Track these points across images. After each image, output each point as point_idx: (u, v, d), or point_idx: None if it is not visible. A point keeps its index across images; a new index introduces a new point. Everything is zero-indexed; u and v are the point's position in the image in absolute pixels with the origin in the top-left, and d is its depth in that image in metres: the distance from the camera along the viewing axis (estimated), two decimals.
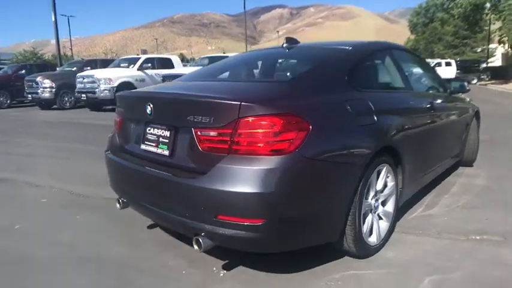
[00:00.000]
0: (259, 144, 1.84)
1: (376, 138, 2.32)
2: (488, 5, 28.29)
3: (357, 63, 2.59)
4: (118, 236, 2.92)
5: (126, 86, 12.65)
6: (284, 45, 3.07)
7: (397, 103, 2.81)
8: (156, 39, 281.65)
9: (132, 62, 13.94)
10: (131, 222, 3.05)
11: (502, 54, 41.71)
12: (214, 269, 2.32)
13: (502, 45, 29.40)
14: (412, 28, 62.58)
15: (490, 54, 41.18)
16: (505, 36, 26.80)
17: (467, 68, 33.79)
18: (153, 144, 2.31)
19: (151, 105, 2.22)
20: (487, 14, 30.56)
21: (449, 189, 3.90)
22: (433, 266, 2.35)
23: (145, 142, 2.36)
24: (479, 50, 45.83)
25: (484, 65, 37.24)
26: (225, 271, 2.29)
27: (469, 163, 4.64)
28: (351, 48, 2.76)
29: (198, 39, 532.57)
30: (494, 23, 29.17)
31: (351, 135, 2.17)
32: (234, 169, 1.85)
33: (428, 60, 25.98)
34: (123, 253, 2.60)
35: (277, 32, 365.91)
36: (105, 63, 15.82)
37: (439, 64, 31.19)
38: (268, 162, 1.82)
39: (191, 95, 2.23)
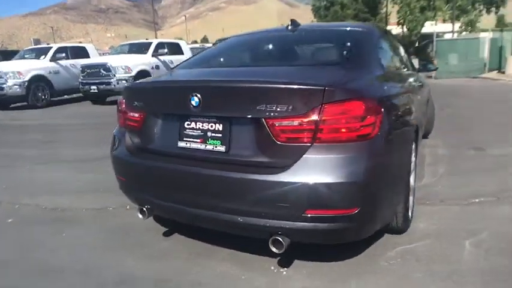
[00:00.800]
0: (345, 131, 1.75)
1: (411, 115, 2.41)
2: None
3: (380, 45, 2.63)
4: (132, 250, 2.49)
5: (38, 79, 11.25)
6: (289, 27, 2.97)
7: (406, 82, 2.93)
8: (52, 27, 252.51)
9: (41, 52, 12.32)
10: (138, 232, 2.72)
11: (396, 34, 46.16)
12: (273, 267, 2.19)
13: (400, 26, 32.53)
14: (315, 11, 65.76)
15: None
16: (402, 19, 29.83)
17: None
18: (198, 141, 2.07)
19: (199, 96, 1.96)
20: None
21: (424, 160, 4.24)
22: (463, 230, 2.54)
23: (185, 139, 2.10)
24: None
25: None
26: (285, 268, 2.18)
27: (426, 135, 5.10)
28: (365, 30, 2.84)
29: (96, 27, 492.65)
30: (393, 6, 32.15)
31: (402, 114, 2.23)
32: (323, 159, 1.74)
33: None
34: (155, 268, 2.26)
35: (185, 16, 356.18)
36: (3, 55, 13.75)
37: None
38: (357, 149, 1.76)
39: (264, 81, 1.97)
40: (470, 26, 29.21)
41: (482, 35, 19.02)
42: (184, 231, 2.62)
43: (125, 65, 10.81)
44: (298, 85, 1.82)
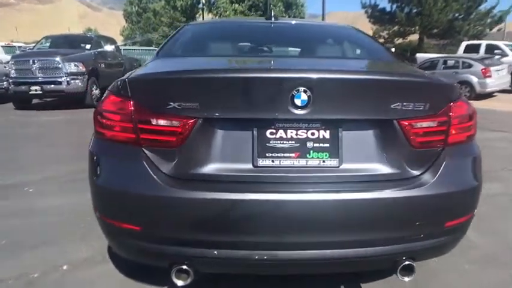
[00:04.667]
0: (462, 132, 1.57)
1: None
2: (203, 1, 32.29)
3: None
4: None
5: None
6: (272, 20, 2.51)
7: None
8: None
9: None
10: None
11: None
12: None
13: None
14: (127, 17, 63.18)
15: None
16: None
17: None
18: (292, 155, 1.39)
19: (309, 91, 1.33)
20: (202, 9, 34.77)
21: None
22: None
23: (268, 154, 1.38)
24: None
25: None
26: None
27: None
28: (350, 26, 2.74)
29: None
30: (214, 16, 33.62)
31: None
32: (456, 164, 1.53)
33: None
34: None
35: None
36: None
37: None
38: (472, 150, 1.62)
39: (402, 75, 1.60)
40: None
41: None
42: None
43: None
44: (434, 81, 1.56)
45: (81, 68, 8.38)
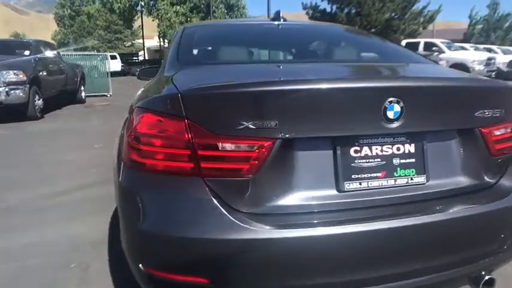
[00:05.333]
0: None
1: None
2: (142, 3, 31.12)
3: None
4: None
5: None
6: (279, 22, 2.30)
7: None
8: None
9: None
10: None
11: (147, 48, 46.96)
12: None
13: (161, 39, 33.19)
14: (59, 20, 59.25)
15: (141, 49, 45.52)
16: (163, 32, 30.59)
17: (128, 61, 36.15)
18: (379, 175, 1.20)
19: (402, 103, 1.16)
20: (141, 12, 33.53)
21: None
22: None
23: (354, 176, 1.19)
24: (128, 44, 49.63)
25: (142, 58, 41.06)
26: None
27: None
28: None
29: None
30: (153, 20, 32.43)
31: None
32: None
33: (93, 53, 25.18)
34: None
35: None
36: None
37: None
38: None
39: (481, 80, 1.48)
40: None
41: None
42: None
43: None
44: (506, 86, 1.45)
45: (22, 77, 7.47)
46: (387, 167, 1.21)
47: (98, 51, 41.75)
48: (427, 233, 1.19)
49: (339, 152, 1.17)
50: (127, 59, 37.59)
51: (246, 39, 2.21)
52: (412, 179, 1.24)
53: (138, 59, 40.05)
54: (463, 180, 1.32)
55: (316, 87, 1.13)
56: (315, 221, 1.12)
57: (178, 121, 1.12)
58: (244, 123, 1.09)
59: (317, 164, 1.17)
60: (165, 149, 1.15)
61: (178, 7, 30.11)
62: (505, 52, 17.72)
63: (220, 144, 1.11)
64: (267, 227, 1.09)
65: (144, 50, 43.12)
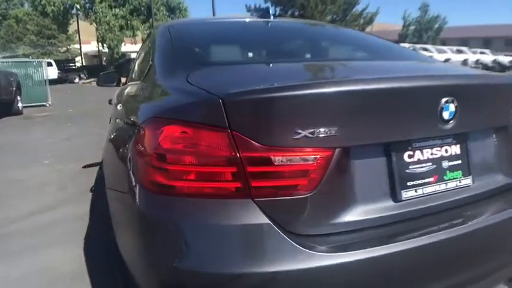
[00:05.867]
0: None
1: None
2: (77, 6, 29.29)
3: None
4: None
5: None
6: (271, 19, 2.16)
7: None
8: None
9: None
10: None
11: (84, 54, 44.38)
12: None
13: (100, 44, 31.41)
14: None
15: (77, 54, 42.94)
16: (101, 37, 28.99)
17: (65, 68, 34.07)
18: (431, 180, 1.11)
19: (456, 102, 1.08)
20: (77, 15, 31.55)
21: None
22: None
23: (410, 183, 1.08)
24: (63, 50, 46.63)
25: (79, 64, 38.81)
26: None
27: None
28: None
29: None
30: (91, 23, 30.56)
31: None
32: None
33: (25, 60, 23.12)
34: None
35: None
36: None
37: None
38: None
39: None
40: None
41: None
42: None
43: None
44: None
45: None
46: (438, 171, 1.13)
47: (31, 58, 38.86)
48: (485, 236, 1.12)
49: (394, 158, 1.06)
50: (63, 65, 35.52)
51: (253, 37, 2.01)
52: (460, 182, 1.16)
53: (75, 66, 37.92)
54: (500, 179, 1.27)
55: (376, 88, 1.01)
56: (381, 238, 1.01)
57: (219, 132, 0.94)
58: (301, 131, 0.93)
59: (372, 174, 1.06)
60: (202, 168, 0.96)
61: (117, 10, 28.71)
62: (439, 51, 19.13)
63: (274, 158, 0.93)
64: (336, 250, 0.94)
65: (81, 55, 40.73)
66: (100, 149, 4.64)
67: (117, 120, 1.74)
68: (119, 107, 1.89)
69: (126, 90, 2.01)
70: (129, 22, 29.43)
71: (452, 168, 1.15)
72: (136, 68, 2.57)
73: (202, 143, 0.96)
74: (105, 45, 29.83)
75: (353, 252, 0.94)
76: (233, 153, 0.93)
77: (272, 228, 0.93)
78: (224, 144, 0.93)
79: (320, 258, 0.92)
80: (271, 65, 1.49)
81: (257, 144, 0.93)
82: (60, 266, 2.09)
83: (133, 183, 1.08)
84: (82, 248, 2.26)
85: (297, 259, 0.91)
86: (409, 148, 1.09)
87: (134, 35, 30.58)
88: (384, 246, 0.97)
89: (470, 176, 1.19)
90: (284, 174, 0.95)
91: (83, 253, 2.22)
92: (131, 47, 30.92)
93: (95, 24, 29.32)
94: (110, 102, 3.15)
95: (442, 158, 1.14)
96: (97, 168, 3.92)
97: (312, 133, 0.94)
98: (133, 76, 2.46)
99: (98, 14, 27.53)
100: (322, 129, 0.94)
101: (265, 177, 0.95)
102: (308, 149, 0.95)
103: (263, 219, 0.93)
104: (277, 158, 0.94)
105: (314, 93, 0.97)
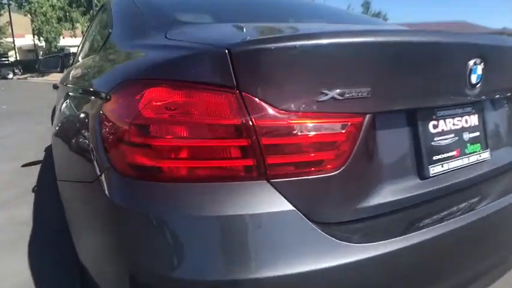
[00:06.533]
0: None
1: None
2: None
3: None
4: None
5: None
6: None
7: None
8: None
9: None
10: None
11: (18, 48, 40.96)
12: None
13: (36, 37, 29.07)
14: None
15: (10, 48, 39.59)
16: (38, 29, 26.79)
17: None
18: (454, 153, 0.97)
19: (483, 65, 0.94)
20: (9, 6, 28.88)
21: None
22: None
23: (435, 157, 0.93)
24: None
25: (13, 59, 35.97)
26: None
27: None
28: None
29: None
30: (25, 15, 28.08)
31: None
32: None
33: None
34: None
35: None
36: None
37: None
38: None
39: None
40: None
41: None
42: None
43: None
44: None
45: None
46: (460, 144, 1.00)
47: None
48: (510, 214, 1.02)
49: (420, 128, 0.91)
50: None
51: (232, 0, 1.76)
52: (480, 156, 1.04)
53: (8, 60, 35.06)
54: None
55: (412, 40, 0.84)
56: (414, 221, 0.85)
57: (224, 94, 0.71)
58: (328, 92, 0.73)
59: (396, 147, 0.89)
60: (199, 141, 0.74)
61: (54, 0, 26.67)
62: None
63: (295, 126, 0.73)
64: (373, 239, 0.76)
65: (14, 49, 37.53)
66: (41, 147, 4.18)
67: (69, 100, 1.44)
68: (70, 85, 1.59)
69: (78, 65, 1.70)
70: (68, 14, 27.48)
71: (472, 141, 1.03)
72: (87, 45, 2.24)
73: (199, 108, 0.73)
74: (41, 38, 27.60)
75: (392, 240, 0.77)
76: (243, 121, 0.71)
77: (297, 216, 0.73)
78: (231, 110, 0.71)
79: (359, 250, 0.73)
80: (271, 24, 1.23)
81: (274, 108, 0.72)
82: (3, 279, 1.75)
83: (101, 169, 0.83)
84: (29, 257, 1.93)
85: (335, 254, 0.72)
86: (434, 117, 0.94)
87: (74, 28, 28.61)
88: (423, 230, 0.81)
89: (488, 149, 1.07)
90: (308, 147, 0.75)
91: (30, 263, 1.88)
92: (71, 41, 28.94)
93: (29, 15, 27.00)
94: (54, 86, 2.76)
95: (463, 129, 1.01)
96: (38, 166, 3.52)
97: (341, 94, 0.74)
98: (84, 54, 2.13)
99: (32, 4, 25.37)
100: (353, 90, 0.75)
101: (284, 151, 0.74)
102: (337, 114, 0.76)
103: (285, 206, 0.73)
104: (300, 126, 0.73)
105: (346, 43, 0.77)
